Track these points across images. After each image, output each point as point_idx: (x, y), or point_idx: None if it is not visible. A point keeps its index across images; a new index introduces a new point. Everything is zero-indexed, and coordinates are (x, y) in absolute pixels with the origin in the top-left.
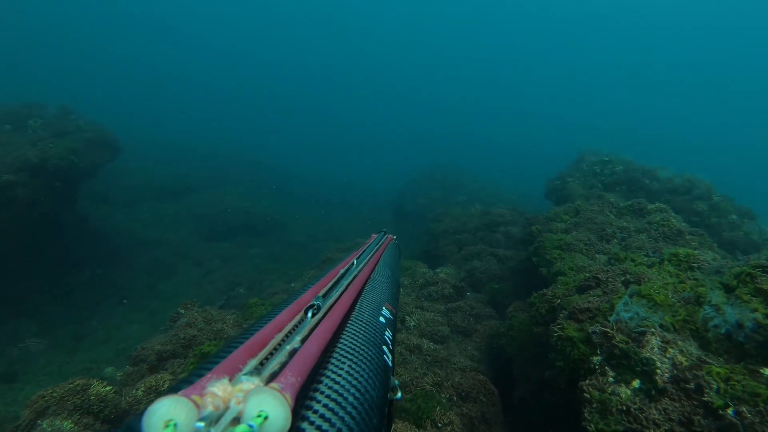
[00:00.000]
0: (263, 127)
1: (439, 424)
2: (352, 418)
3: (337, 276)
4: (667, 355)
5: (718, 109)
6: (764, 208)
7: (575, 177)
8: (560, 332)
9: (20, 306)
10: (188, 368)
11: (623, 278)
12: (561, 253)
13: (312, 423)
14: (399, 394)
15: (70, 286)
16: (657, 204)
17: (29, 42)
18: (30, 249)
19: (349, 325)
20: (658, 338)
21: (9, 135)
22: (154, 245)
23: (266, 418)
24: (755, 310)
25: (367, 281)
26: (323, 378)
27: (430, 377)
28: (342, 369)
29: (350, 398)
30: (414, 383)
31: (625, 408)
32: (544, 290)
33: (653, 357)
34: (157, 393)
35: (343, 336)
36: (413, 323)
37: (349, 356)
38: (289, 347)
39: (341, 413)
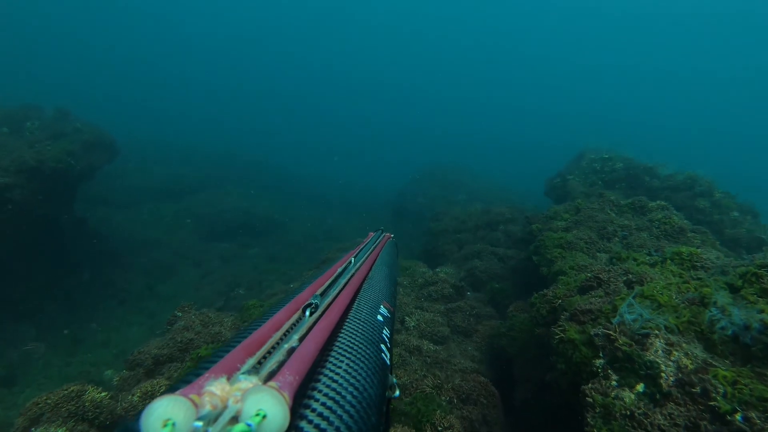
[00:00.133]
0: (262, 127)
1: (440, 428)
2: (351, 416)
3: (335, 275)
4: (672, 358)
5: (718, 106)
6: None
7: (575, 174)
8: (561, 334)
9: (19, 308)
10: (185, 372)
11: (625, 278)
12: (562, 252)
13: (310, 422)
14: (397, 393)
15: (69, 288)
16: (658, 202)
17: (27, 42)
18: (29, 251)
19: (347, 323)
20: (662, 340)
21: (6, 137)
22: (154, 246)
23: (264, 416)
24: (762, 311)
25: (364, 280)
26: (321, 376)
27: (430, 379)
28: (340, 367)
29: (348, 397)
30: (414, 386)
31: (629, 413)
32: (545, 290)
33: (657, 360)
34: (153, 398)
35: (341, 334)
36: (413, 324)
37: (347, 355)
38: (287, 346)
39: (339, 412)
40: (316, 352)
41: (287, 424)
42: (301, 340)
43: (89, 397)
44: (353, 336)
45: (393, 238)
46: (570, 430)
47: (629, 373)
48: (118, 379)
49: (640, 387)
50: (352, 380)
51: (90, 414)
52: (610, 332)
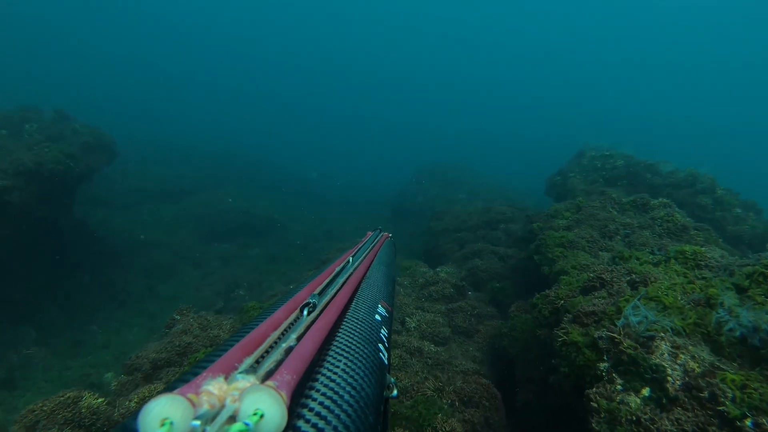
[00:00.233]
0: (262, 127)
1: None
2: (348, 415)
3: (333, 274)
4: (678, 362)
5: (719, 101)
6: None
7: (576, 172)
8: (564, 337)
9: (19, 311)
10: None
11: (628, 278)
12: (563, 251)
13: (308, 421)
14: (395, 392)
15: (69, 290)
16: (660, 199)
17: (26, 42)
18: (28, 253)
19: (344, 323)
20: (667, 343)
21: (5, 140)
22: (154, 247)
23: (262, 416)
24: None
25: (362, 279)
26: (319, 376)
27: (431, 382)
28: (338, 367)
29: (346, 396)
30: (415, 388)
31: (635, 418)
32: (547, 291)
33: (663, 363)
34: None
35: (339, 334)
36: (414, 325)
37: (345, 354)
38: (284, 345)
39: (337, 411)
40: (313, 351)
41: (285, 423)
42: (299, 339)
43: (86, 404)
44: (351, 335)
45: (391, 237)
46: (572, 431)
47: (634, 377)
48: (116, 384)
49: (645, 391)
50: (349, 380)
51: (87, 421)
52: (615, 335)
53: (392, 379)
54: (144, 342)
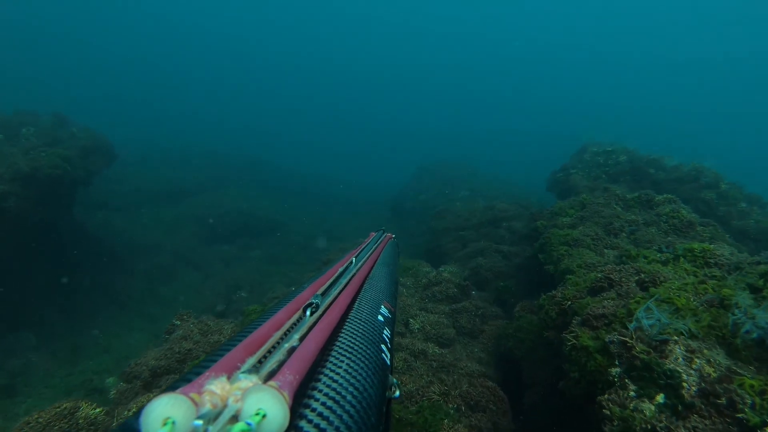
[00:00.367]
0: (262, 127)
1: None
2: (351, 416)
3: (336, 274)
4: (693, 366)
5: (724, 93)
6: None
7: (578, 168)
8: (574, 341)
9: (19, 317)
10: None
11: (637, 278)
12: (568, 250)
13: (310, 421)
14: (397, 393)
15: (69, 294)
16: (665, 195)
17: (24, 44)
18: (27, 259)
19: (347, 323)
20: (682, 347)
21: (2, 144)
22: (154, 250)
23: (264, 416)
24: None
25: (365, 280)
26: (321, 376)
27: (437, 386)
28: (340, 367)
29: (348, 396)
30: (420, 393)
31: (649, 427)
32: (553, 292)
33: (678, 368)
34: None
35: (342, 334)
36: (417, 326)
37: (348, 355)
38: (287, 345)
39: (339, 411)
40: (316, 351)
41: (287, 423)
42: (301, 339)
43: (83, 414)
44: (354, 336)
45: (394, 238)
46: None
47: (648, 382)
48: (114, 392)
49: (660, 398)
50: (352, 380)
51: None
52: (627, 339)
53: (394, 380)
54: (145, 346)
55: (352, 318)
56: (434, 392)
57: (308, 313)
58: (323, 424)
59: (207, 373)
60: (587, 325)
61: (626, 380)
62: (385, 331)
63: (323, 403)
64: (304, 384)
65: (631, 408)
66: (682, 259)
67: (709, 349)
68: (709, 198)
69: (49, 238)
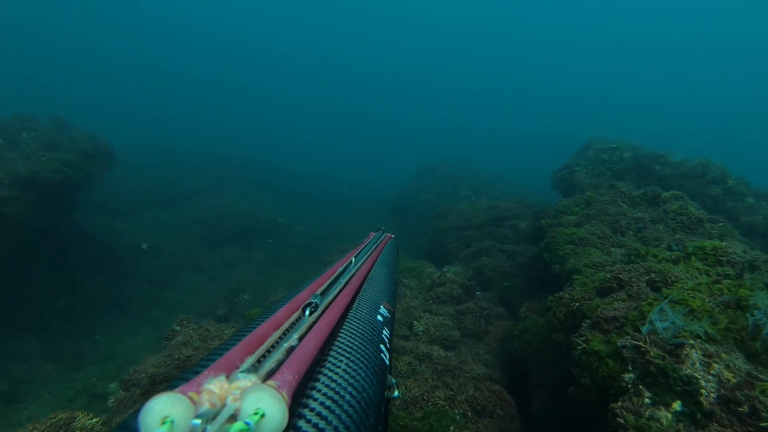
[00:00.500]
0: (262, 127)
1: None
2: (349, 416)
3: (335, 274)
4: (712, 372)
5: (727, 88)
6: None
7: (582, 166)
8: (584, 345)
9: (21, 322)
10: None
11: (647, 277)
12: (574, 249)
13: (309, 421)
14: (396, 393)
15: (71, 299)
16: (672, 191)
17: (22, 45)
18: (29, 264)
19: (346, 323)
20: (698, 351)
21: (2, 149)
22: (156, 253)
23: (263, 415)
24: None
25: (365, 280)
26: (320, 376)
27: (442, 391)
28: (339, 367)
29: (347, 396)
30: (425, 398)
31: None
32: (561, 293)
33: (695, 374)
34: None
35: (341, 334)
36: (422, 328)
37: (347, 354)
38: (286, 345)
39: (338, 411)
40: (315, 351)
41: (286, 423)
42: (300, 339)
43: (79, 425)
44: (353, 336)
45: (394, 238)
46: None
47: (664, 389)
48: (113, 401)
49: (677, 405)
50: (351, 380)
51: None
52: (640, 343)
53: (393, 380)
54: (148, 350)
55: (351, 318)
56: (439, 397)
57: (307, 312)
58: (322, 423)
59: (206, 372)
60: (598, 329)
61: (640, 387)
62: (384, 331)
63: (322, 403)
64: (303, 383)
65: (646, 416)
66: (693, 258)
67: (727, 353)
68: (716, 194)
69: (51, 242)
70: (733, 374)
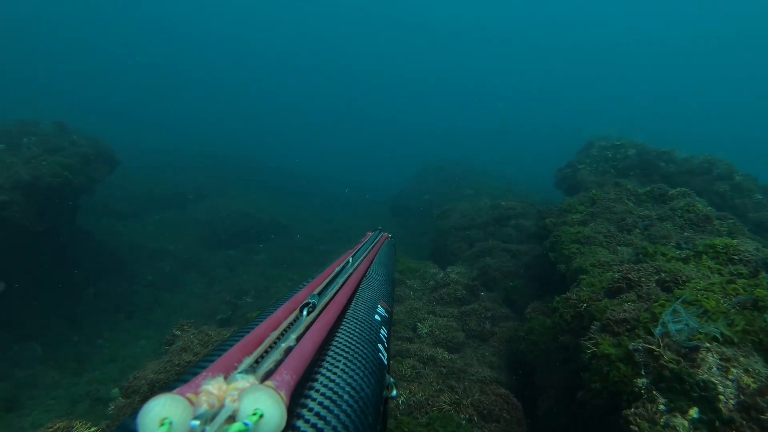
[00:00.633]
0: (262, 126)
1: None
2: (348, 416)
3: (333, 274)
4: (730, 377)
5: (730, 82)
6: None
7: (586, 164)
8: (594, 349)
9: (24, 328)
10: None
11: (657, 277)
12: (580, 248)
13: (307, 421)
14: (394, 392)
15: (74, 303)
16: (679, 188)
17: (24, 48)
18: (31, 268)
19: (344, 323)
20: (715, 355)
21: (3, 154)
22: (159, 256)
23: (261, 416)
24: None
25: (362, 279)
26: (318, 376)
27: (447, 395)
28: (337, 367)
29: (345, 396)
30: (430, 403)
31: None
32: (568, 294)
33: (712, 379)
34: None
35: (339, 334)
36: (426, 331)
37: (345, 354)
38: (284, 345)
39: (336, 411)
40: (313, 351)
41: (284, 423)
42: (298, 339)
43: None
44: (350, 335)
45: (391, 237)
46: None
47: (679, 395)
48: (113, 408)
49: (693, 412)
50: (349, 380)
51: None
52: (653, 347)
53: (392, 380)
54: (151, 354)
55: (349, 318)
56: (445, 401)
57: (305, 312)
58: (320, 423)
59: (204, 374)
60: (607, 331)
61: (654, 392)
62: (382, 331)
63: (320, 403)
64: (301, 384)
65: (661, 423)
66: (704, 256)
67: (745, 357)
68: (722, 190)
69: (53, 246)
70: (752, 379)
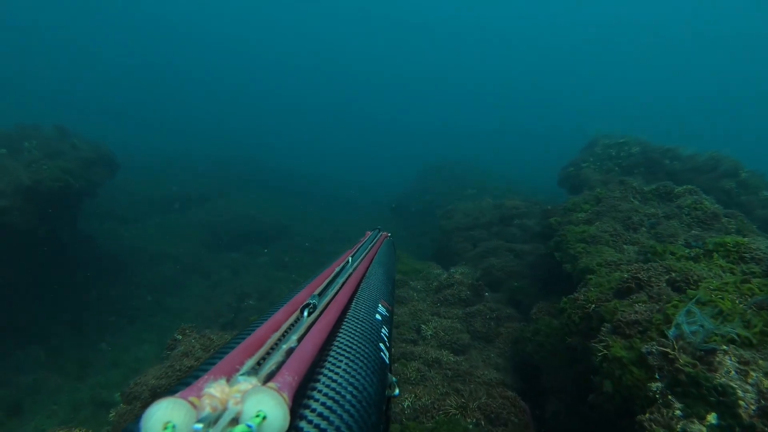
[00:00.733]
0: (263, 127)
1: None
2: (351, 415)
3: (333, 274)
4: (749, 381)
5: (732, 78)
6: None
7: (589, 162)
8: (605, 351)
9: (26, 333)
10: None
11: (667, 277)
12: (586, 247)
13: (310, 422)
14: (396, 391)
15: (76, 308)
16: (686, 186)
17: (24, 51)
18: (33, 273)
19: (345, 323)
20: (733, 358)
21: (4, 159)
22: (161, 260)
23: (264, 418)
24: None
25: (362, 279)
26: (321, 376)
27: (453, 398)
28: (339, 367)
29: (348, 396)
30: (436, 406)
31: None
32: (575, 294)
33: (731, 383)
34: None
35: (340, 334)
36: (430, 332)
37: (346, 354)
38: (285, 346)
39: (339, 411)
40: (314, 352)
41: (287, 424)
42: (299, 340)
43: None
44: (352, 335)
45: (390, 236)
46: None
47: (696, 400)
48: (114, 414)
49: (712, 418)
50: (351, 380)
51: None
52: (668, 350)
53: (394, 378)
54: (153, 358)
55: (350, 317)
56: (451, 405)
57: (306, 313)
58: (323, 424)
59: (206, 377)
60: (619, 333)
61: (670, 397)
62: (383, 330)
63: (323, 403)
64: (303, 385)
65: (678, 429)
66: (715, 255)
67: (765, 360)
68: (729, 187)
69: (55, 251)
70: None
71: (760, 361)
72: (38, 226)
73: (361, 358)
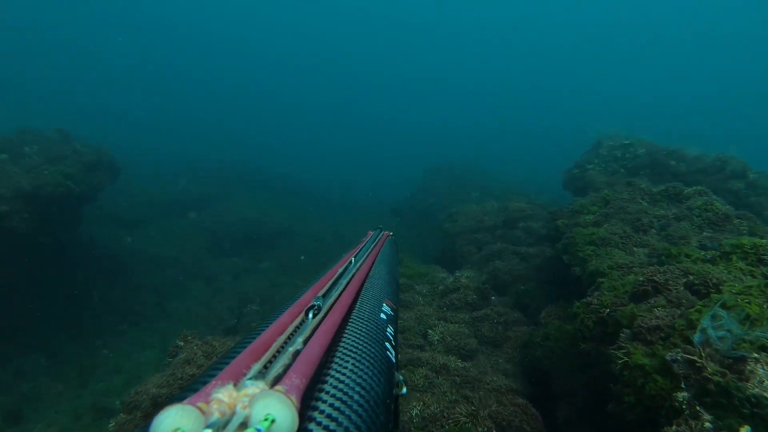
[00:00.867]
0: (264, 127)
1: None
2: (359, 416)
3: (336, 275)
4: None
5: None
6: None
7: (594, 164)
8: (626, 359)
9: (27, 339)
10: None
11: (685, 280)
12: (595, 249)
13: (319, 423)
14: (404, 390)
15: (78, 313)
16: (695, 187)
17: (24, 54)
18: (34, 279)
19: (350, 323)
20: (765, 366)
21: (5, 164)
22: (163, 265)
23: (273, 421)
24: None
25: (366, 279)
26: (328, 378)
27: (463, 406)
28: (346, 368)
29: (356, 396)
30: (445, 415)
31: None
32: (589, 298)
33: (765, 394)
34: None
35: (345, 335)
36: (437, 338)
37: (352, 354)
38: (291, 349)
39: (347, 412)
40: (320, 353)
41: (296, 427)
42: (305, 342)
43: None
44: (357, 335)
45: (392, 235)
46: None
47: (727, 411)
48: (113, 425)
49: (745, 431)
50: (358, 380)
51: None
52: (695, 357)
53: (401, 377)
54: (155, 364)
55: (355, 318)
56: (461, 413)
57: (311, 315)
58: (332, 425)
59: (213, 382)
60: (639, 339)
61: (698, 408)
62: (388, 329)
63: (331, 405)
64: (310, 387)
65: None
66: (734, 257)
67: None
68: (737, 188)
69: (56, 256)
70: None
71: None
72: (39, 230)
73: (368, 358)
